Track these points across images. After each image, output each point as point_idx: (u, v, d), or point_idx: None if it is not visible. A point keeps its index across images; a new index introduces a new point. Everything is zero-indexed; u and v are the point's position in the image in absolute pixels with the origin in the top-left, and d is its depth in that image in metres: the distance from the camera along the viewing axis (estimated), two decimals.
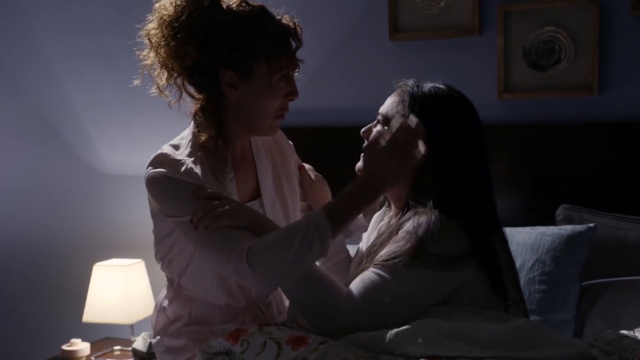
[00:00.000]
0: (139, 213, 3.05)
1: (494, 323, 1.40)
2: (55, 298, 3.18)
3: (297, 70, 1.63)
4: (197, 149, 1.61)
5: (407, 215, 1.51)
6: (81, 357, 2.70)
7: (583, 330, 1.98)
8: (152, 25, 1.60)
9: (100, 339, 2.95)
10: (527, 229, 2.14)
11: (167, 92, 1.64)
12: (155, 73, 1.62)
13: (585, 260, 2.08)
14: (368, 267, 1.47)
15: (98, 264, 2.81)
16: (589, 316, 2.01)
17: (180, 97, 1.63)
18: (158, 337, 1.75)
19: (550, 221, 2.27)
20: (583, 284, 2.08)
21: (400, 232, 1.48)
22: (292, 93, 1.62)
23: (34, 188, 3.26)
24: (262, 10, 1.60)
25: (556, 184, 2.39)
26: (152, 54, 1.60)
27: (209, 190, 1.55)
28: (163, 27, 1.56)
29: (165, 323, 1.73)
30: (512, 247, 2.10)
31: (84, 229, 3.15)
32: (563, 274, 2.04)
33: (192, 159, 1.59)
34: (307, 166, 1.89)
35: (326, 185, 1.88)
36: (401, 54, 2.64)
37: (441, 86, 1.59)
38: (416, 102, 1.55)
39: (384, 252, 1.47)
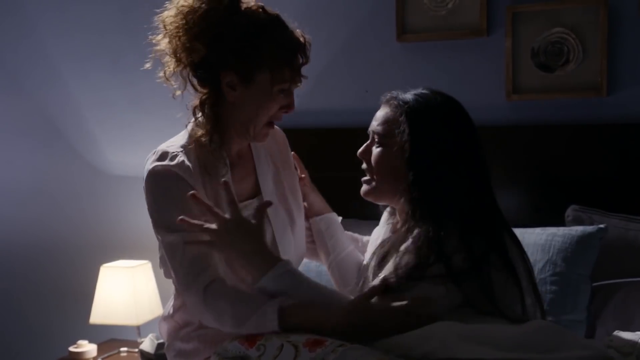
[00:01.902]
0: (144, 214, 3.03)
1: (512, 325, 1.39)
2: (62, 300, 3.18)
3: (298, 85, 1.64)
4: (191, 142, 1.63)
5: (410, 227, 1.51)
6: (88, 359, 2.70)
7: (595, 331, 1.99)
8: (169, 13, 1.61)
9: (106, 340, 2.94)
10: (538, 230, 2.14)
11: (172, 81, 1.65)
12: (165, 59, 1.64)
13: (596, 262, 2.08)
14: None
15: (105, 265, 2.80)
16: (600, 317, 2.01)
17: (185, 88, 1.64)
18: (168, 343, 1.75)
19: (559, 222, 2.27)
20: (594, 284, 2.08)
21: (403, 247, 1.48)
22: (288, 106, 1.63)
23: (38, 189, 3.25)
24: (276, 19, 1.60)
25: (565, 185, 2.39)
26: (164, 41, 1.62)
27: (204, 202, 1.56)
28: (179, 18, 1.58)
29: (175, 328, 1.73)
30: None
31: (90, 230, 3.15)
32: (574, 274, 2.04)
33: (183, 150, 1.62)
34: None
35: (319, 195, 1.91)
36: (408, 55, 2.63)
37: (427, 92, 1.58)
38: (412, 115, 1.54)
39: (387, 271, 1.47)
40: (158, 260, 2.98)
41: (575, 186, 2.36)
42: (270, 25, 1.58)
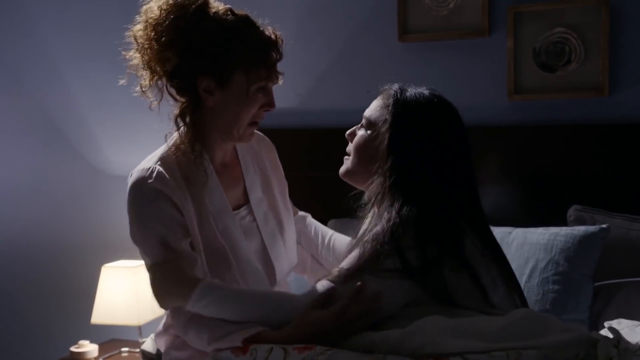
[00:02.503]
0: None
1: (496, 317, 1.41)
2: (63, 300, 3.18)
3: (276, 82, 1.64)
4: (171, 152, 1.63)
5: (371, 218, 1.54)
6: (89, 359, 2.70)
7: (597, 331, 1.98)
8: (138, 27, 1.62)
9: (107, 340, 2.94)
10: (540, 230, 2.14)
11: (149, 94, 1.66)
12: (139, 73, 1.65)
13: (598, 262, 2.09)
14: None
15: (106, 265, 2.80)
16: (602, 317, 2.01)
17: (162, 99, 1.65)
18: (165, 350, 1.75)
19: (561, 222, 2.27)
20: (596, 284, 2.08)
21: (365, 238, 1.49)
22: (269, 104, 1.64)
23: (39, 189, 3.25)
24: (245, 20, 1.61)
25: (566, 184, 2.39)
26: (137, 55, 1.62)
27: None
28: (148, 30, 1.58)
29: (170, 339, 1.74)
30: (525, 247, 2.11)
31: (90, 230, 3.15)
32: (577, 274, 2.05)
33: (160, 162, 1.61)
34: None
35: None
36: (410, 55, 2.63)
37: (425, 92, 1.59)
38: (400, 109, 1.56)
39: (344, 262, 1.49)
40: None
41: (577, 186, 2.37)
42: (240, 27, 1.59)
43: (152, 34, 1.57)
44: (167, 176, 1.59)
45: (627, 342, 1.41)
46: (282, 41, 1.63)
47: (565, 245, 2.07)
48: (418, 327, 1.36)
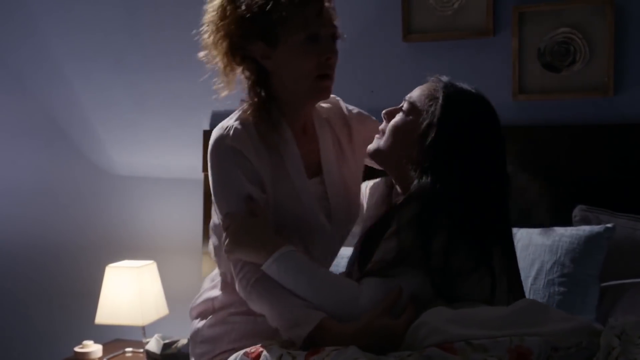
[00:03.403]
0: (149, 214, 3.05)
1: (498, 307, 1.42)
2: (67, 300, 3.17)
3: (328, 29, 1.61)
4: (249, 115, 1.63)
5: (403, 202, 1.50)
6: (93, 359, 2.70)
7: None
8: (207, 16, 1.64)
9: (111, 340, 2.94)
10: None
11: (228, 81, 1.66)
12: (209, 64, 1.66)
13: (603, 262, 2.08)
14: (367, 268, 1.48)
15: (110, 265, 2.80)
16: (609, 317, 2.00)
17: (230, 88, 1.66)
18: (197, 328, 1.73)
19: (566, 222, 2.27)
20: (602, 285, 2.08)
21: (392, 227, 1.47)
22: (323, 51, 1.60)
23: (41, 189, 3.25)
24: None
25: (571, 185, 2.38)
26: (215, 56, 1.64)
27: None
28: (214, 13, 1.61)
29: (209, 309, 1.73)
30: (531, 248, 2.11)
31: (94, 231, 3.14)
32: (582, 275, 2.04)
33: (239, 122, 1.62)
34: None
35: None
36: (415, 55, 2.63)
37: (472, 90, 1.58)
38: (448, 104, 1.53)
39: (376, 256, 1.47)
40: (163, 261, 3.00)
41: (581, 186, 2.36)
42: None
43: (216, 16, 1.60)
44: (245, 134, 1.59)
45: (630, 334, 1.40)
46: None
47: (571, 246, 2.06)
48: (421, 318, 1.37)
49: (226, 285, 1.71)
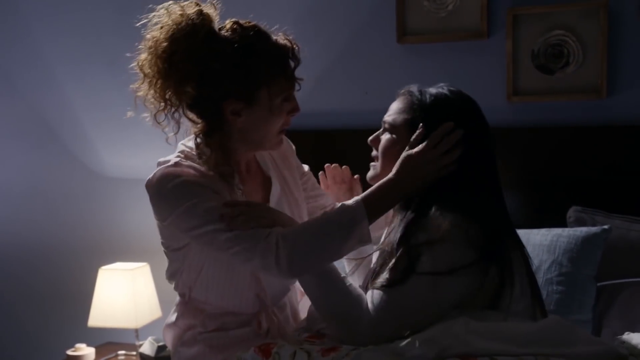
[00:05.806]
0: (141, 216, 3.03)
1: (525, 323, 1.40)
2: (59, 303, 3.15)
3: (298, 88, 1.62)
4: (193, 159, 1.60)
5: (411, 220, 1.49)
6: None
7: (600, 332, 2.00)
8: (145, 57, 1.55)
9: (103, 343, 2.92)
10: (543, 231, 2.15)
11: (163, 123, 1.59)
12: (149, 105, 1.58)
13: (599, 262, 2.09)
14: (376, 282, 1.46)
15: (103, 267, 2.78)
16: (606, 317, 2.02)
17: (178, 130, 1.59)
18: (175, 351, 1.73)
19: (560, 223, 2.28)
20: (599, 285, 2.09)
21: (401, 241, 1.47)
22: (294, 110, 1.62)
23: (33, 191, 3.23)
24: (257, 32, 1.56)
25: (565, 186, 2.40)
26: (145, 86, 1.57)
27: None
28: (158, 62, 1.52)
29: (178, 334, 1.71)
30: (529, 248, 2.09)
31: (87, 233, 3.13)
32: (580, 274, 2.05)
33: (185, 162, 1.58)
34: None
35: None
36: (409, 56, 2.64)
37: (444, 90, 1.56)
38: (424, 110, 1.53)
39: (386, 271, 1.45)
40: (156, 263, 2.97)
41: (575, 187, 2.38)
42: (253, 41, 1.54)
43: (164, 65, 1.52)
44: (196, 172, 1.55)
45: None
46: (297, 47, 1.60)
47: (568, 246, 2.08)
48: (445, 328, 1.35)
49: (185, 307, 1.69)
